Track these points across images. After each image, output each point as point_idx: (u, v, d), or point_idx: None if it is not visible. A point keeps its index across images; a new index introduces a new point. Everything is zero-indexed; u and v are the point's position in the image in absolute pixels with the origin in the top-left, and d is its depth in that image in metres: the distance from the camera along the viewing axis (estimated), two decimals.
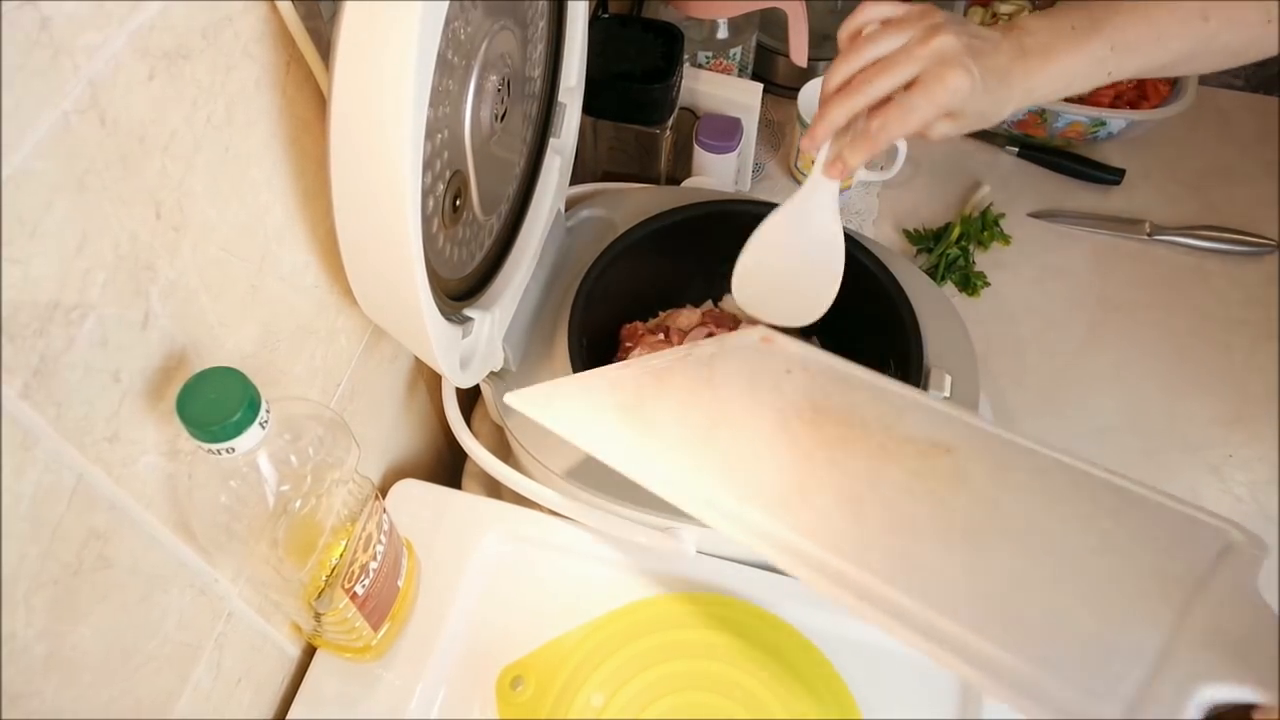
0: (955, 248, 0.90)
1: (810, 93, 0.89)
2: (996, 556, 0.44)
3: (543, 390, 0.57)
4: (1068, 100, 0.88)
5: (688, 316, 0.79)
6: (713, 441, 0.53)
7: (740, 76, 0.94)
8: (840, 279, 0.66)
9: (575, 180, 0.72)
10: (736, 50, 0.91)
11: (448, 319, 0.53)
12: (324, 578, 0.50)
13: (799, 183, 0.95)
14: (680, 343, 0.74)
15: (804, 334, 0.81)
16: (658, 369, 0.59)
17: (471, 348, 0.58)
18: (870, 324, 0.74)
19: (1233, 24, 0.56)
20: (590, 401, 0.56)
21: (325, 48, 0.45)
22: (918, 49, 0.56)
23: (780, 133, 1.01)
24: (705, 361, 0.60)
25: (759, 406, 0.56)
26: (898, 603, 0.41)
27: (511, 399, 0.57)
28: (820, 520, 0.46)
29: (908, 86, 0.56)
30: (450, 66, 0.47)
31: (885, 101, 0.57)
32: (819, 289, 0.67)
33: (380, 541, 0.54)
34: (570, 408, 0.55)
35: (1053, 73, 0.57)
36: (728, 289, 0.82)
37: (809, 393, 0.57)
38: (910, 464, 0.50)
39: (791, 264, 0.66)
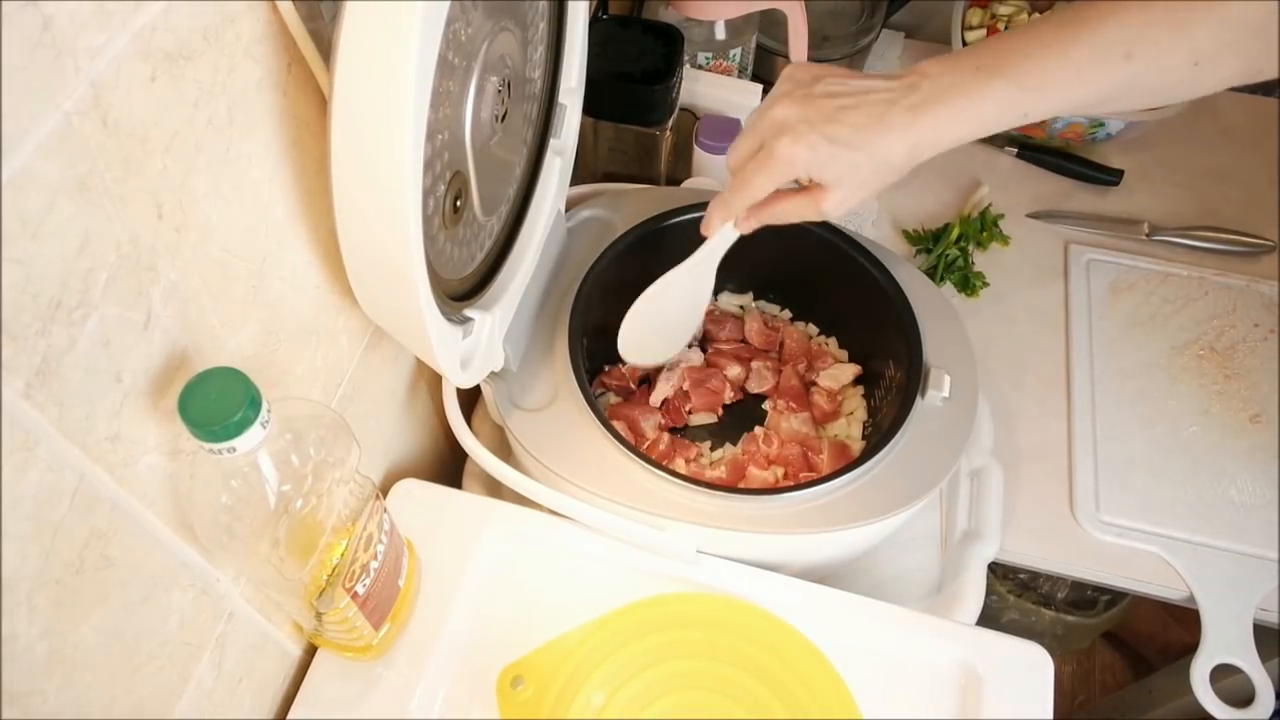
0: (954, 248, 0.90)
1: None
2: None
3: None
4: None
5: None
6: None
7: (740, 77, 0.94)
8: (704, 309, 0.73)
9: (575, 181, 0.72)
10: (736, 51, 0.91)
11: (448, 319, 0.53)
12: (325, 577, 0.50)
13: None
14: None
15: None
16: None
17: (472, 348, 0.59)
18: (870, 324, 0.74)
19: (1157, 64, 0.51)
20: None
21: (326, 49, 0.46)
22: (758, 120, 0.56)
23: None
24: None
25: None
26: None
27: None
28: None
29: None
30: (451, 68, 0.47)
31: None
32: (688, 322, 0.73)
33: (381, 541, 0.54)
34: None
35: (951, 118, 0.53)
36: (725, 288, 0.83)
37: None
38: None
39: (671, 306, 0.71)
